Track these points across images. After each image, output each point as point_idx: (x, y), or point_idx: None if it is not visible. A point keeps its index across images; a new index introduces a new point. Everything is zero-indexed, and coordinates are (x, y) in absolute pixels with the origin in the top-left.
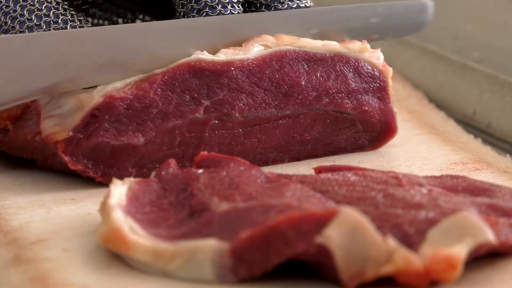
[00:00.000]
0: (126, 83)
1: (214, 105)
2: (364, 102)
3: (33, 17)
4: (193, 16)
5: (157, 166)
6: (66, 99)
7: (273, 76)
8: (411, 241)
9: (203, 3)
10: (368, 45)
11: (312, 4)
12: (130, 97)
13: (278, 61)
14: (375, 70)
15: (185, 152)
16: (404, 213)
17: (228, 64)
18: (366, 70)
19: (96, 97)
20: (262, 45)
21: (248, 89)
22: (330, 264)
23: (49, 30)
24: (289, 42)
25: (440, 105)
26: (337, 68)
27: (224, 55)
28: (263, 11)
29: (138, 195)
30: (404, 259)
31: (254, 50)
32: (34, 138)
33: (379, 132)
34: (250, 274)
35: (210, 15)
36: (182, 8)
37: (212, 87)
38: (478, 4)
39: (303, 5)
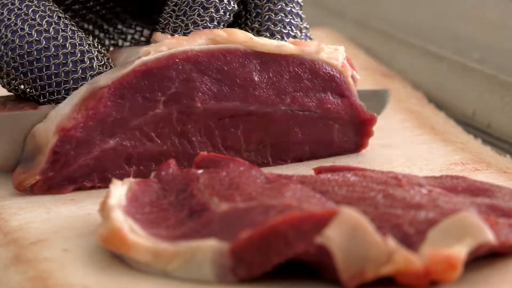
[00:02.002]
0: (73, 105)
1: (171, 99)
2: (325, 100)
3: (33, 32)
4: (185, 11)
5: (153, 163)
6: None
7: (221, 68)
8: (411, 241)
9: None
10: (324, 46)
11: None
12: (82, 120)
13: (226, 56)
14: (334, 70)
15: (172, 147)
16: (404, 213)
17: (172, 56)
18: (323, 71)
19: (50, 136)
20: (210, 39)
21: (198, 78)
22: (330, 264)
23: (48, 46)
24: (241, 40)
25: (440, 105)
26: (291, 69)
27: (167, 46)
28: (258, 11)
29: (138, 196)
30: (404, 259)
31: (199, 42)
32: None
33: (359, 127)
34: (250, 274)
35: (202, 14)
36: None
37: (162, 82)
38: (478, 4)
39: (295, 10)
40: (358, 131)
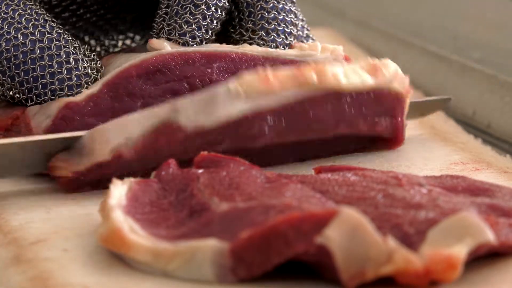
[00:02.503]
0: (143, 132)
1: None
2: (379, 124)
3: (19, 35)
4: (176, 11)
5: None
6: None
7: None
8: (411, 241)
9: None
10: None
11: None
12: (142, 153)
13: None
14: (399, 98)
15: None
16: (404, 213)
17: (257, 114)
18: (390, 99)
19: (106, 153)
20: (299, 82)
21: (270, 128)
22: (330, 264)
23: (34, 48)
24: (331, 84)
25: None
26: (363, 99)
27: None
28: (250, 10)
29: (138, 195)
30: (404, 259)
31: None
32: None
33: (387, 141)
34: (250, 274)
35: (193, 12)
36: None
37: (242, 138)
38: (478, 4)
39: (288, 7)
40: (387, 143)
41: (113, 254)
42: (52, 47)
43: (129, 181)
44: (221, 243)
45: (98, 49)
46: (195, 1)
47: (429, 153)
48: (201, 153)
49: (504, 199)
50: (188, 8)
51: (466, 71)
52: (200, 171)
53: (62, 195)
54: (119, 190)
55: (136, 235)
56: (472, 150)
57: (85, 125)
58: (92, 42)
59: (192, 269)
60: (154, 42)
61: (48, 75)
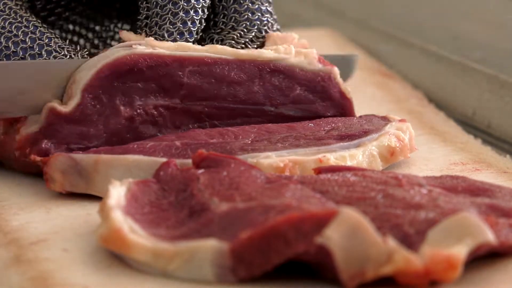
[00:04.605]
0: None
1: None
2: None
3: (10, 44)
4: (157, 13)
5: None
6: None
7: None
8: (411, 241)
9: None
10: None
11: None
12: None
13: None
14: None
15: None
16: (404, 214)
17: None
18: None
19: (106, 190)
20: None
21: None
22: (330, 264)
23: (25, 56)
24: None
25: (440, 105)
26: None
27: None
28: (224, 13)
29: (137, 196)
30: (404, 259)
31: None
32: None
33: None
34: (250, 274)
35: (173, 11)
36: (146, 3)
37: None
38: (478, 4)
39: (264, 7)
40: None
41: (113, 254)
42: (43, 53)
43: (128, 181)
44: (221, 243)
45: (96, 42)
46: (172, 10)
47: (429, 153)
48: (199, 152)
49: (504, 199)
50: (167, 19)
51: (466, 71)
52: (200, 171)
53: (62, 195)
54: (118, 191)
55: (136, 235)
56: (472, 150)
57: (75, 134)
58: (90, 35)
59: (192, 269)
60: (125, 34)
61: None
